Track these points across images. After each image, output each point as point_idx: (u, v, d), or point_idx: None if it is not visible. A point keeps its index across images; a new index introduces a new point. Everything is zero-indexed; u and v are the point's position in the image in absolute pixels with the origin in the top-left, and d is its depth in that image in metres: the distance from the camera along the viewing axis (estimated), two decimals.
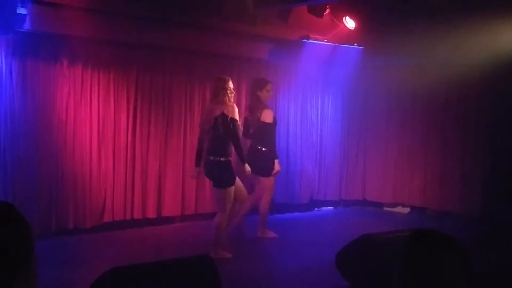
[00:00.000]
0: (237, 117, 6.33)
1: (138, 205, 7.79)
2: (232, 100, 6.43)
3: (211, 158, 6.37)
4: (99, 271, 2.47)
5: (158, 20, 7.35)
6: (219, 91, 6.38)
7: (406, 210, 9.69)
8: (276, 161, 7.44)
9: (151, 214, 7.91)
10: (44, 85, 6.99)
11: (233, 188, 6.35)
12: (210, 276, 2.95)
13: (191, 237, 7.50)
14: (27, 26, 6.50)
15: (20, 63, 6.79)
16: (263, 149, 7.34)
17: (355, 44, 8.99)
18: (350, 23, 8.56)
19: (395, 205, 9.83)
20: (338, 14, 8.53)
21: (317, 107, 9.79)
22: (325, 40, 8.85)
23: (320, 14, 8.21)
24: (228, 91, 6.38)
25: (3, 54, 6.65)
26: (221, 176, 6.34)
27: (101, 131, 7.47)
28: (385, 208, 9.92)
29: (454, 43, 7.80)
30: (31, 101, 6.89)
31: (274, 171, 7.44)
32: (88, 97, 7.35)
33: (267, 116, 7.41)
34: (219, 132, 6.30)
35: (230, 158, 6.42)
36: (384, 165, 9.88)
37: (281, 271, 6.28)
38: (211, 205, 7.99)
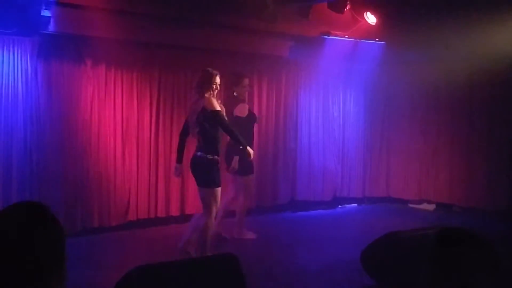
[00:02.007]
0: (218, 108, 5.86)
1: (161, 203, 7.85)
2: (215, 95, 5.96)
3: (198, 154, 5.93)
4: (124, 269, 2.48)
5: (179, 19, 7.37)
6: (203, 85, 5.93)
7: (432, 207, 9.58)
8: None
9: (174, 212, 7.95)
10: (69, 85, 7.08)
11: (219, 189, 5.90)
12: (235, 274, 2.95)
13: (214, 234, 7.51)
14: (51, 28, 6.59)
15: (45, 64, 6.88)
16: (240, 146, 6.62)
17: (377, 39, 8.92)
18: (371, 18, 8.51)
19: (420, 202, 9.73)
20: (359, 9, 8.49)
21: (339, 104, 9.75)
22: (346, 36, 8.80)
23: (340, 10, 8.18)
24: (214, 86, 5.91)
25: (28, 55, 6.74)
26: (207, 175, 5.88)
27: (124, 130, 7.54)
28: (410, 205, 9.81)
29: (478, 36, 7.70)
30: (56, 102, 6.98)
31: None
32: (112, 96, 7.42)
33: (240, 110, 6.99)
34: (206, 127, 5.86)
35: (217, 157, 5.92)
36: (408, 161, 9.79)
37: (304, 269, 6.26)
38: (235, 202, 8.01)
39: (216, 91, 5.99)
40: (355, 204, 9.97)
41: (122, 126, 7.51)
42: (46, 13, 6.37)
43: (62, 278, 1.59)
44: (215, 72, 6.01)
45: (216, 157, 5.89)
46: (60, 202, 6.87)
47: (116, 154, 7.46)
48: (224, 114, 5.95)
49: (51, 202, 6.70)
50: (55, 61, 6.96)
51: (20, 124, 6.72)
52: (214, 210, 5.94)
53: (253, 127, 7.30)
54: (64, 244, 1.62)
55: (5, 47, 6.58)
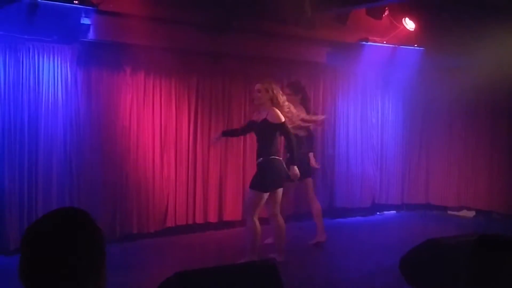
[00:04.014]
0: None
1: (199, 210, 7.88)
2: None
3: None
4: (163, 276, 2.50)
5: (217, 27, 7.41)
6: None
7: (471, 213, 9.41)
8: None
9: (212, 218, 7.98)
10: (108, 92, 7.18)
11: (264, 194, 6.01)
12: (273, 281, 2.93)
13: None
14: (91, 35, 6.69)
15: (85, 71, 7.00)
16: None
17: (415, 45, 8.82)
18: (409, 24, 8.41)
19: (459, 208, 9.56)
20: (397, 15, 8.40)
21: (377, 110, 9.66)
22: (384, 42, 8.73)
23: (379, 16, 8.11)
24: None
25: (68, 63, 6.86)
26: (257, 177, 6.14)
27: (163, 137, 7.60)
28: (450, 212, 9.65)
29: None
30: (96, 108, 7.08)
31: None
32: (151, 103, 7.50)
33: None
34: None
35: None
36: (447, 167, 9.64)
37: (343, 276, 6.20)
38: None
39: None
40: (394, 211, 9.85)
41: (160, 133, 7.58)
42: (85, 21, 6.48)
43: (99, 281, 1.61)
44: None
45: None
46: (99, 209, 6.95)
47: (155, 160, 7.53)
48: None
49: (90, 208, 6.78)
50: (95, 68, 7.07)
51: (60, 131, 6.84)
52: (255, 213, 6.09)
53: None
54: (103, 248, 1.64)
55: (45, 55, 6.71)
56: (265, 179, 6.03)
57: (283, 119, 6.06)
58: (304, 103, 7.25)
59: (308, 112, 7.23)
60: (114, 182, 7.24)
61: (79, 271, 1.56)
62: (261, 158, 6.10)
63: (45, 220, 1.64)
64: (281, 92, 6.26)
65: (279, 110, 6.08)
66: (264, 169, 6.06)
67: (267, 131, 6.09)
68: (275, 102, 6.09)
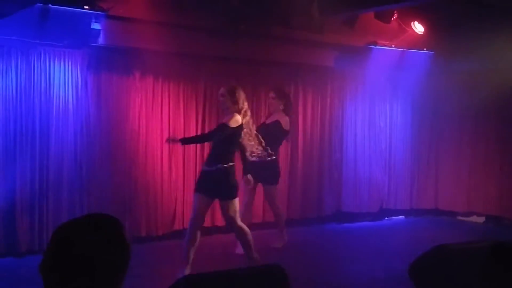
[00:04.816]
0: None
1: (207, 213, 7.87)
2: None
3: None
4: (171, 278, 2.52)
5: (225, 31, 7.44)
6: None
7: (481, 219, 9.34)
8: None
9: (219, 221, 7.97)
10: (117, 96, 7.23)
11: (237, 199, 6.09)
12: (281, 285, 2.94)
13: (259, 245, 7.50)
14: (101, 40, 6.74)
15: (95, 76, 7.05)
16: None
17: (424, 48, 8.81)
18: (418, 27, 8.41)
19: (469, 214, 9.50)
20: (406, 19, 8.40)
21: (386, 114, 9.63)
22: (393, 46, 8.72)
23: (387, 20, 8.11)
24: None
25: (78, 67, 6.92)
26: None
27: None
28: (459, 218, 9.59)
29: None
30: (105, 112, 7.14)
31: None
32: (159, 107, 7.54)
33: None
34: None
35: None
36: (457, 172, 9.58)
37: (350, 282, 6.19)
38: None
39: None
40: (402, 216, 9.81)
41: (169, 136, 7.60)
42: (96, 26, 6.53)
43: (122, 283, 1.67)
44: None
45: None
46: (108, 211, 6.91)
47: (163, 164, 7.56)
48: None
49: (100, 210, 6.85)
50: (104, 73, 7.12)
51: (71, 135, 6.90)
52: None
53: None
54: (125, 264, 1.70)
55: (56, 59, 6.77)
56: (233, 184, 5.93)
57: (232, 125, 5.82)
58: (287, 110, 7.21)
59: (290, 116, 7.24)
60: (123, 185, 7.29)
61: (96, 280, 1.60)
62: (220, 165, 5.83)
63: (81, 221, 1.72)
64: (244, 97, 6.02)
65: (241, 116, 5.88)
66: (229, 175, 5.89)
67: (226, 136, 5.84)
68: (239, 108, 5.87)
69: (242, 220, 6.22)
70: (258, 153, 6.26)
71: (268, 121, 7.24)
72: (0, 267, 6.19)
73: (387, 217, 9.66)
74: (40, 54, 6.66)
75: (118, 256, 1.66)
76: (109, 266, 1.64)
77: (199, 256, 6.90)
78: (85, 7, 6.37)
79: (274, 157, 6.89)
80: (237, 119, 5.82)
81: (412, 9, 8.06)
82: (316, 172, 8.89)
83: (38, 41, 6.56)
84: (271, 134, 6.85)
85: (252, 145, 6.11)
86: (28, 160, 6.60)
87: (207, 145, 7.84)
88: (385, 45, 8.65)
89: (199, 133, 7.78)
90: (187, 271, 5.71)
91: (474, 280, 2.12)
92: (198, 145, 7.80)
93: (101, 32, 6.64)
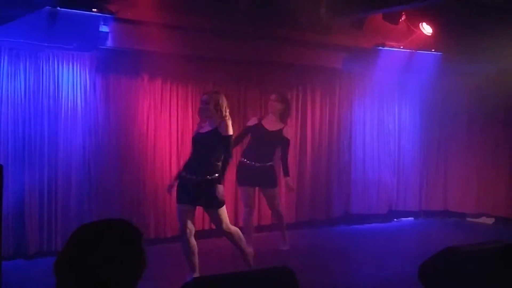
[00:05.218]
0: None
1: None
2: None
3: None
4: (180, 280, 2.52)
5: (233, 33, 7.45)
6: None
7: (491, 220, 9.30)
8: None
9: None
10: (126, 99, 7.25)
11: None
12: (290, 287, 2.93)
13: (268, 247, 7.50)
14: (109, 43, 6.75)
15: (103, 78, 7.07)
16: None
17: (433, 50, 8.77)
18: (427, 29, 8.36)
19: (479, 215, 9.46)
20: (414, 20, 8.35)
21: (394, 115, 9.61)
22: (401, 47, 8.69)
23: (395, 21, 8.07)
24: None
25: (87, 70, 6.94)
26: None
27: (180, 143, 7.64)
28: (468, 219, 9.56)
29: None
30: (114, 115, 7.16)
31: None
32: (168, 110, 7.56)
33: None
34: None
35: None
36: (466, 173, 9.54)
37: (359, 284, 6.17)
38: (289, 215, 8.01)
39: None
40: (411, 218, 9.78)
41: (177, 139, 7.63)
42: (104, 28, 6.54)
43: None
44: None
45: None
46: (117, 213, 6.99)
47: (171, 166, 7.56)
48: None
49: (108, 212, 6.87)
50: (113, 75, 7.15)
51: (79, 137, 6.92)
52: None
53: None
54: (139, 273, 1.72)
55: (64, 62, 6.79)
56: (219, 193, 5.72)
57: (231, 132, 5.75)
58: (284, 116, 7.15)
59: (286, 124, 7.18)
60: (132, 187, 7.31)
61: (110, 286, 1.61)
62: (216, 175, 5.67)
63: (101, 224, 1.73)
64: (227, 104, 5.85)
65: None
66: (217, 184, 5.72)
67: (216, 143, 5.69)
68: (224, 115, 5.71)
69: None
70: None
71: (270, 128, 7.14)
72: (9, 269, 6.19)
73: (396, 219, 9.63)
74: (49, 57, 6.69)
75: (133, 264, 1.67)
76: (124, 273, 1.64)
77: (207, 259, 6.91)
78: (93, 10, 6.39)
79: (271, 162, 7.02)
80: (231, 126, 5.74)
81: (420, 10, 8.01)
82: (325, 174, 8.88)
83: (46, 44, 6.58)
84: (271, 141, 7.02)
85: None
86: (37, 162, 6.63)
87: None
88: (393, 47, 8.62)
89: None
90: (195, 275, 5.70)
91: (485, 281, 2.10)
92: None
93: (110, 34, 6.65)
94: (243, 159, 7.07)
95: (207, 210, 5.99)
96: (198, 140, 5.82)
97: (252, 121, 7.23)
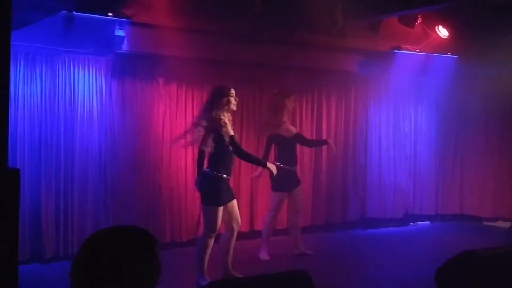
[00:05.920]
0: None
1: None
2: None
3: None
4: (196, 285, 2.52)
5: (249, 37, 7.45)
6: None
7: (507, 224, 9.22)
8: None
9: (244, 228, 7.95)
10: (141, 103, 7.28)
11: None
12: None
13: (283, 251, 7.48)
14: (125, 47, 6.80)
15: (119, 82, 7.11)
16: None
17: (449, 53, 8.72)
18: (443, 32, 8.33)
19: (495, 219, 9.39)
20: (430, 23, 8.32)
21: (410, 119, 9.57)
22: (417, 50, 8.65)
23: (411, 24, 8.05)
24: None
25: (103, 74, 6.99)
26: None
27: (195, 146, 7.63)
28: (485, 223, 9.49)
29: None
30: (129, 119, 7.18)
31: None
32: (183, 113, 7.57)
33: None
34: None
35: None
36: (483, 177, 9.47)
37: (376, 287, 6.14)
38: (305, 219, 7.98)
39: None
40: (428, 222, 9.71)
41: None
42: (120, 32, 6.60)
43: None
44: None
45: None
46: (133, 218, 7.02)
47: (187, 170, 7.57)
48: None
49: (124, 217, 6.91)
50: (129, 79, 7.18)
51: (95, 141, 6.95)
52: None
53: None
54: (157, 272, 1.75)
55: (80, 66, 6.84)
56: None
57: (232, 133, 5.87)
58: (279, 111, 7.08)
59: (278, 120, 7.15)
60: (148, 191, 7.31)
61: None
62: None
63: (118, 231, 1.74)
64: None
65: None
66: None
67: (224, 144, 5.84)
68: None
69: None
70: None
71: (293, 130, 7.18)
72: (25, 273, 6.22)
73: (412, 223, 9.57)
74: (65, 61, 6.74)
75: (148, 272, 1.68)
76: (139, 281, 1.65)
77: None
78: (109, 14, 6.44)
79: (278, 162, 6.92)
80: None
81: (436, 13, 7.98)
82: (341, 178, 8.85)
83: (62, 48, 6.64)
84: (295, 143, 7.17)
85: None
86: (53, 166, 6.67)
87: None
88: (409, 50, 8.59)
89: None
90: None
91: (502, 286, 2.07)
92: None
93: (125, 38, 6.70)
94: (280, 164, 6.86)
95: None
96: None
97: (291, 130, 7.19)
